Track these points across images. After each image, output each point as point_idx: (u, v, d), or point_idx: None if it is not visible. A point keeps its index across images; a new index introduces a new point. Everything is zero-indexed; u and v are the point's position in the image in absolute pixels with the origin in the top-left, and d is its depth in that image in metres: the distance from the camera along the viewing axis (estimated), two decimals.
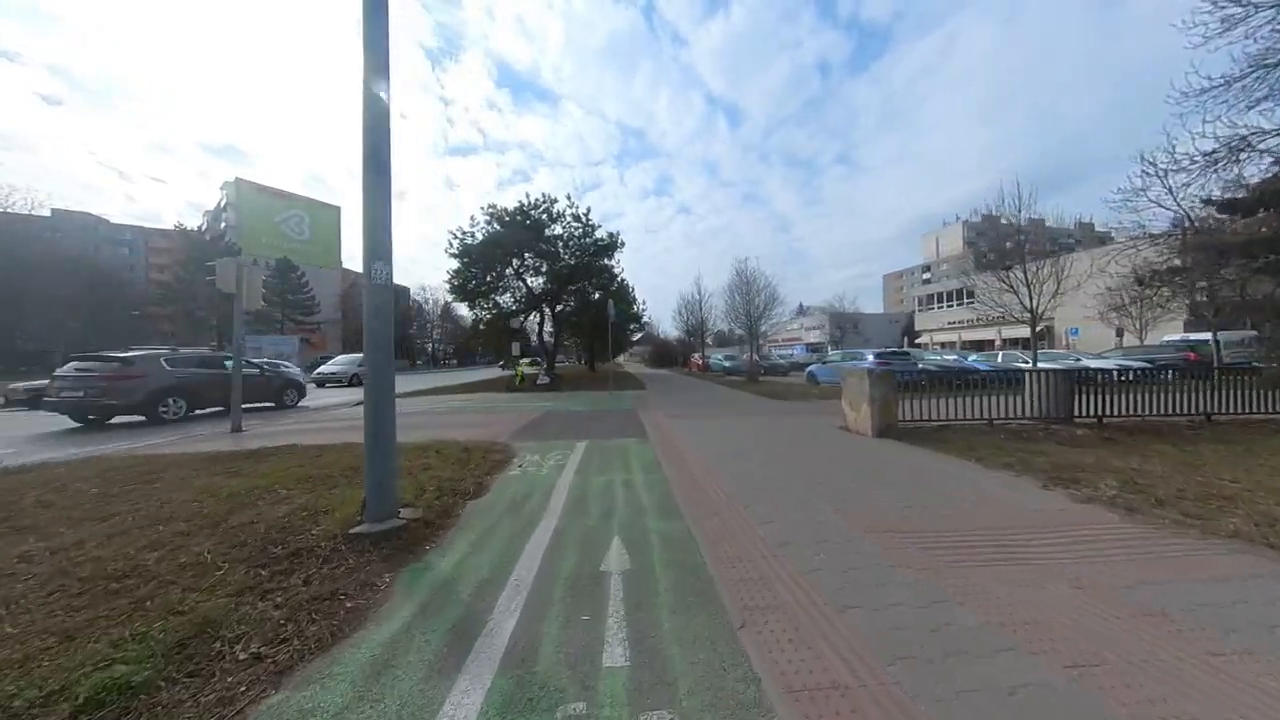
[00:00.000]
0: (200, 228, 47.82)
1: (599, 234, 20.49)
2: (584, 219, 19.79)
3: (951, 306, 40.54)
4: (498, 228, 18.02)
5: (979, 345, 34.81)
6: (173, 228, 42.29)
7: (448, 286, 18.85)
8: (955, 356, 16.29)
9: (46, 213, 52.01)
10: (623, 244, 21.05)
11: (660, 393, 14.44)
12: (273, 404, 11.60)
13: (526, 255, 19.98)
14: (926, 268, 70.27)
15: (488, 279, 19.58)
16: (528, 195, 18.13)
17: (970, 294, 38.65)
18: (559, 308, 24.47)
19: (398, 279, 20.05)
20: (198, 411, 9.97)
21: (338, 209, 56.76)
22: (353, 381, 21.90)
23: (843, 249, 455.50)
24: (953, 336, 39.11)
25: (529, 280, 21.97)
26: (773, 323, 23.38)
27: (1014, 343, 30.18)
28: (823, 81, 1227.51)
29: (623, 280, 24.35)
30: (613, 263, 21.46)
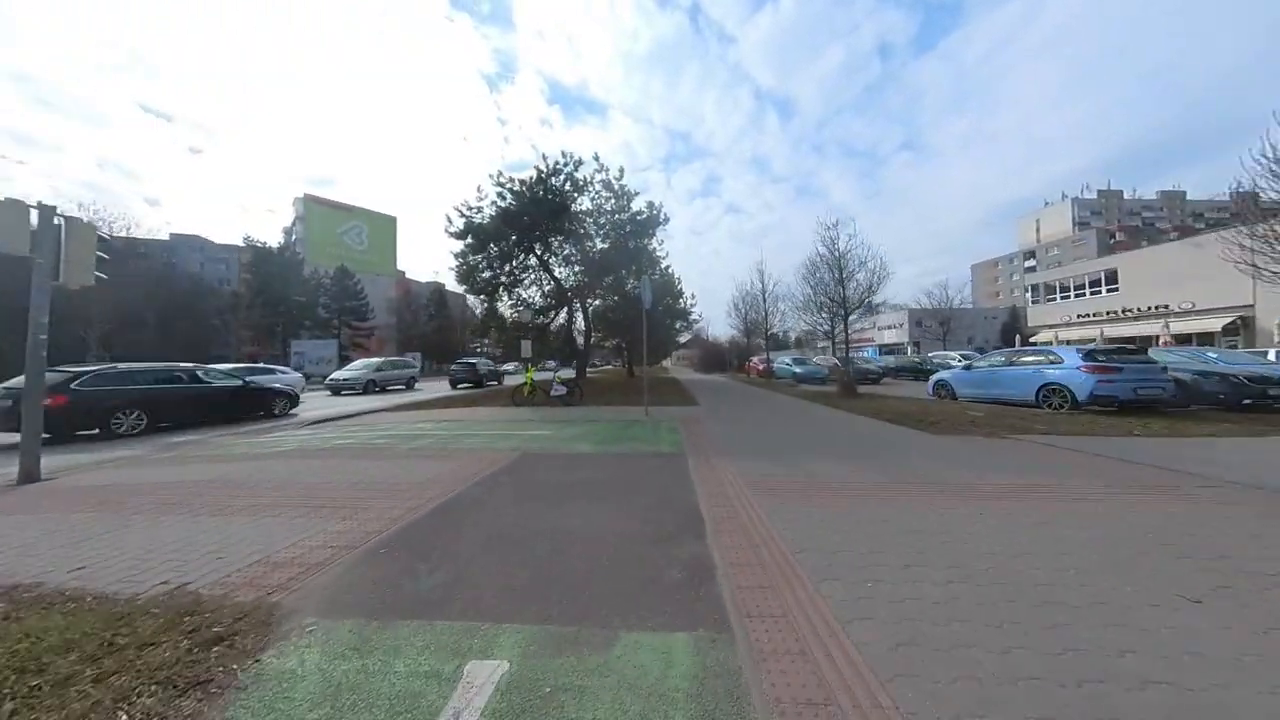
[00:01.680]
0: (280, 244, 50.15)
1: (636, 205, 16.14)
2: (617, 186, 15.51)
3: (1083, 296, 31.56)
4: (510, 202, 14.24)
5: (1129, 341, 26.12)
6: (242, 243, 43.96)
7: (455, 274, 15.40)
8: (1215, 354, 9.93)
9: (165, 236, 57.75)
10: (666, 219, 16.56)
11: (720, 411, 9.77)
12: (263, 413, 10.38)
13: (552, 238, 16.13)
14: (1030, 254, 58.60)
15: (505, 268, 15.90)
16: (544, 159, 14.26)
17: (1112, 279, 29.64)
18: (592, 303, 20.52)
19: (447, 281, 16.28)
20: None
21: (394, 219, 57.78)
22: (368, 389, 19.37)
23: (910, 241, 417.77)
24: (1087, 332, 30.21)
25: (557, 271, 18.17)
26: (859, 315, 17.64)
27: (1184, 339, 21.86)
28: (883, 64, 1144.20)
29: (668, 268, 19.87)
30: (654, 243, 17.04)
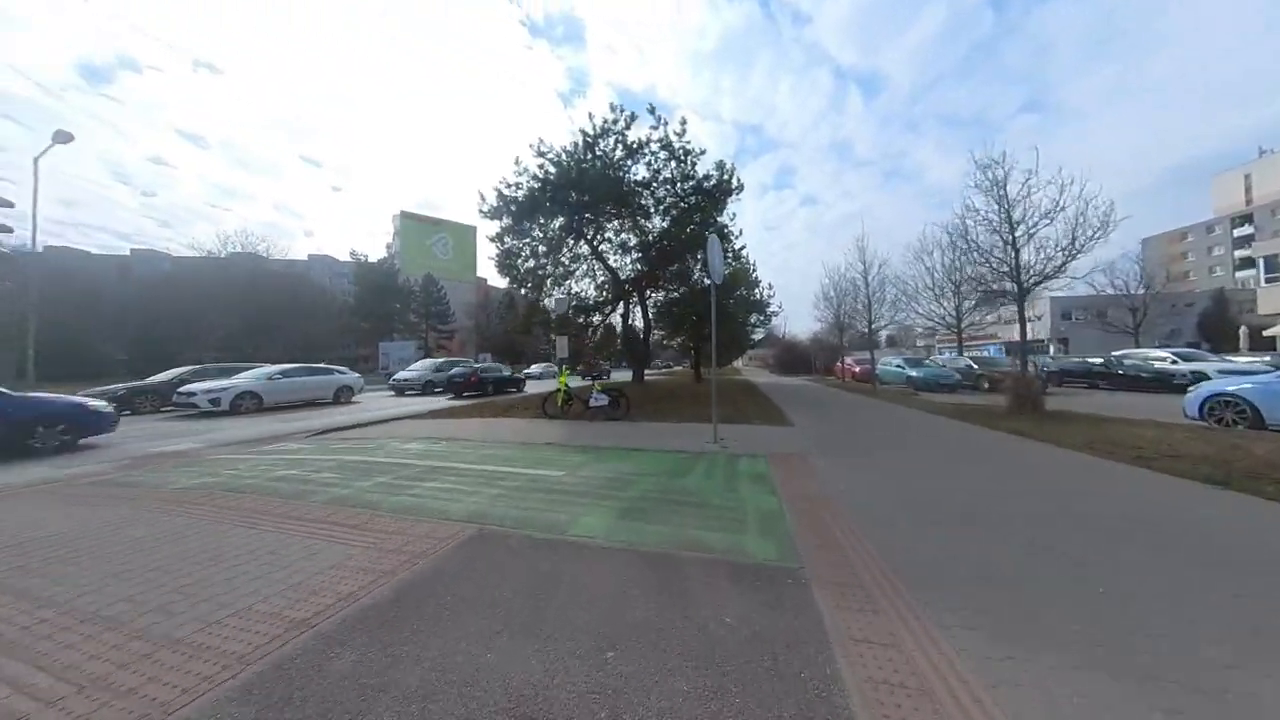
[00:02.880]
0: (381, 258, 55.66)
1: (702, 167, 13.02)
2: (679, 145, 12.50)
3: None
4: (550, 173, 12.07)
5: None
6: (348, 257, 48.87)
7: (494, 263, 13.69)
8: None
9: (304, 257, 67.65)
10: (739, 186, 13.22)
11: (832, 438, 6.42)
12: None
13: (604, 220, 13.76)
14: (1243, 218, 43.43)
15: (553, 259, 13.86)
16: (591, 118, 11.85)
17: None
18: (653, 296, 17.84)
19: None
20: None
21: (474, 229, 60.95)
22: (426, 389, 18.86)
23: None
24: None
25: (612, 259, 15.80)
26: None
27: None
28: (997, 16, 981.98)
29: (743, 250, 16.44)
30: (725, 216, 13.80)
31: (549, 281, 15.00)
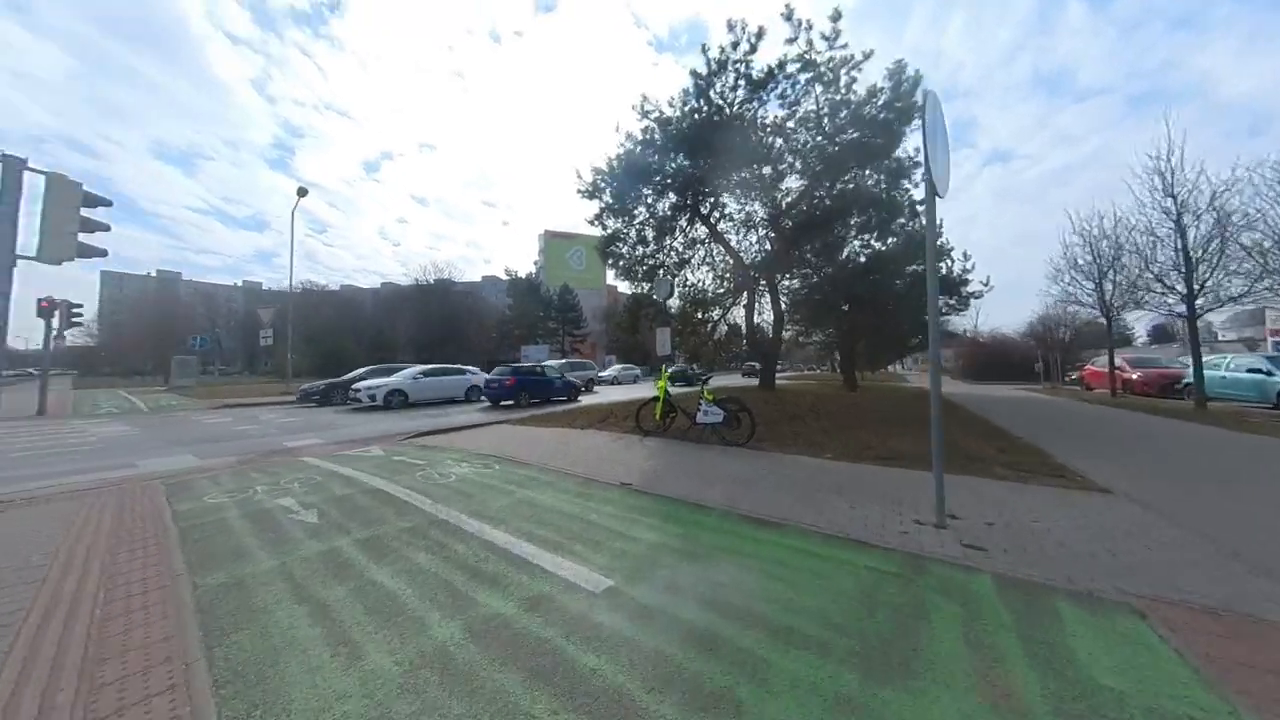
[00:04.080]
0: (529, 273, 63.61)
1: (869, 75, 9.12)
2: (827, 59, 8.85)
3: None
4: (655, 136, 9.91)
5: None
6: (505, 276, 56.48)
7: (598, 253, 12.22)
8: None
9: (479, 279, 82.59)
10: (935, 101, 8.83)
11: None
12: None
13: (723, 189, 11.09)
14: None
15: (665, 244, 11.79)
16: (704, 51, 9.15)
17: None
18: (788, 283, 14.21)
19: None
20: None
21: (592, 238, 64.43)
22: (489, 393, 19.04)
23: None
24: None
25: (734, 240, 12.94)
26: None
27: None
28: None
29: (923, 206, 11.57)
30: (905, 149, 9.53)
31: (661, 272, 12.94)
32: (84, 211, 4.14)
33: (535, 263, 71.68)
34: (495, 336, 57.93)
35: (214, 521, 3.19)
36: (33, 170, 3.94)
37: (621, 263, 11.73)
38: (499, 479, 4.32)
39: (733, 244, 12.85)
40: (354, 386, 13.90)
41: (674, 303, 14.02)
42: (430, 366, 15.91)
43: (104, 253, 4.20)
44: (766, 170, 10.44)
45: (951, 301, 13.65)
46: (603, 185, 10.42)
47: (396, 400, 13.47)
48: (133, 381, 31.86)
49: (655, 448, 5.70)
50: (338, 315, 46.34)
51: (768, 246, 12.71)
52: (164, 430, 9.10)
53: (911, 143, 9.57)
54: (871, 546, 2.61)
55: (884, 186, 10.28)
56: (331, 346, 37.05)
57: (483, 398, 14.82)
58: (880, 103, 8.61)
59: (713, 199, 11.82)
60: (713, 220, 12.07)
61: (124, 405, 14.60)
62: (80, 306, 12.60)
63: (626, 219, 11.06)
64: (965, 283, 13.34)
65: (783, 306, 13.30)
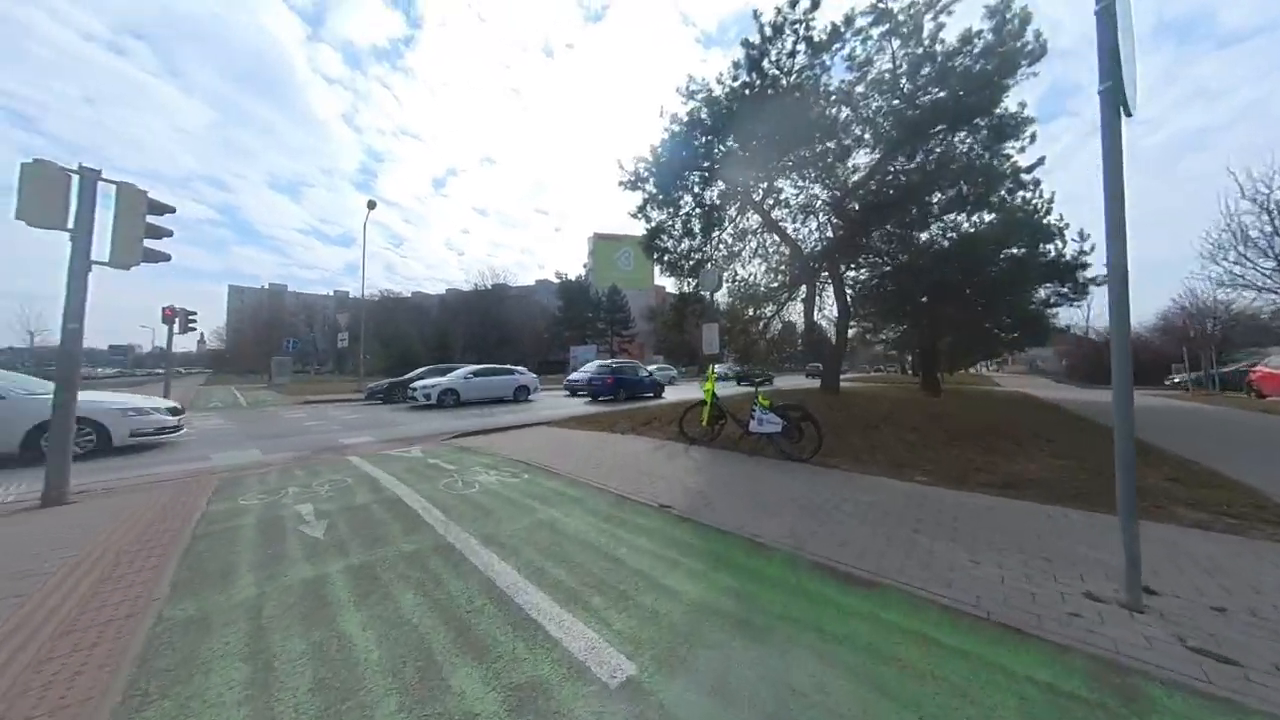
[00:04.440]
0: (578, 276, 65.05)
1: (955, 29, 7.68)
2: (911, 5, 7.47)
3: None
4: (703, 115, 9.11)
5: None
6: (553, 278, 58.02)
7: (641, 247, 11.63)
8: None
9: (532, 283, 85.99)
10: (1039, 49, 7.17)
11: None
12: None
13: (781, 174, 10.07)
14: None
15: (707, 233, 10.99)
16: (756, 16, 8.10)
17: None
18: (855, 274, 12.73)
19: None
20: None
21: (635, 238, 64.10)
22: (590, 390, 18.89)
23: None
24: None
25: (791, 228, 11.81)
26: None
27: None
28: None
29: (1029, 176, 9.69)
30: (1007, 104, 7.88)
31: (708, 266, 12.10)
32: (150, 218, 4.21)
33: (584, 265, 73.16)
34: (546, 338, 59.85)
35: (228, 530, 3.02)
36: (105, 180, 4.09)
37: (666, 257, 11.06)
38: (523, 492, 3.86)
39: (789, 232, 11.69)
40: (411, 386, 14.58)
41: (722, 298, 13.10)
42: (481, 367, 16.34)
43: (168, 257, 4.29)
44: (829, 146, 9.23)
45: (1064, 289, 11.33)
46: (645, 175, 9.83)
47: (449, 399, 13.89)
48: (246, 379, 36.74)
49: (702, 460, 4.98)
50: (408, 319, 50.39)
51: (829, 233, 11.39)
52: (249, 424, 9.96)
53: (1017, 97, 7.90)
54: (1026, 637, 1.73)
55: (979, 152, 8.64)
56: (402, 348, 40.34)
57: (532, 398, 14.91)
58: (977, 50, 7.13)
59: (766, 183, 10.79)
60: (766, 207, 11.02)
61: (229, 400, 16.57)
62: (195, 314, 14.40)
63: (671, 210, 10.37)
64: (1083, 266, 10.99)
65: (848, 300, 11.85)
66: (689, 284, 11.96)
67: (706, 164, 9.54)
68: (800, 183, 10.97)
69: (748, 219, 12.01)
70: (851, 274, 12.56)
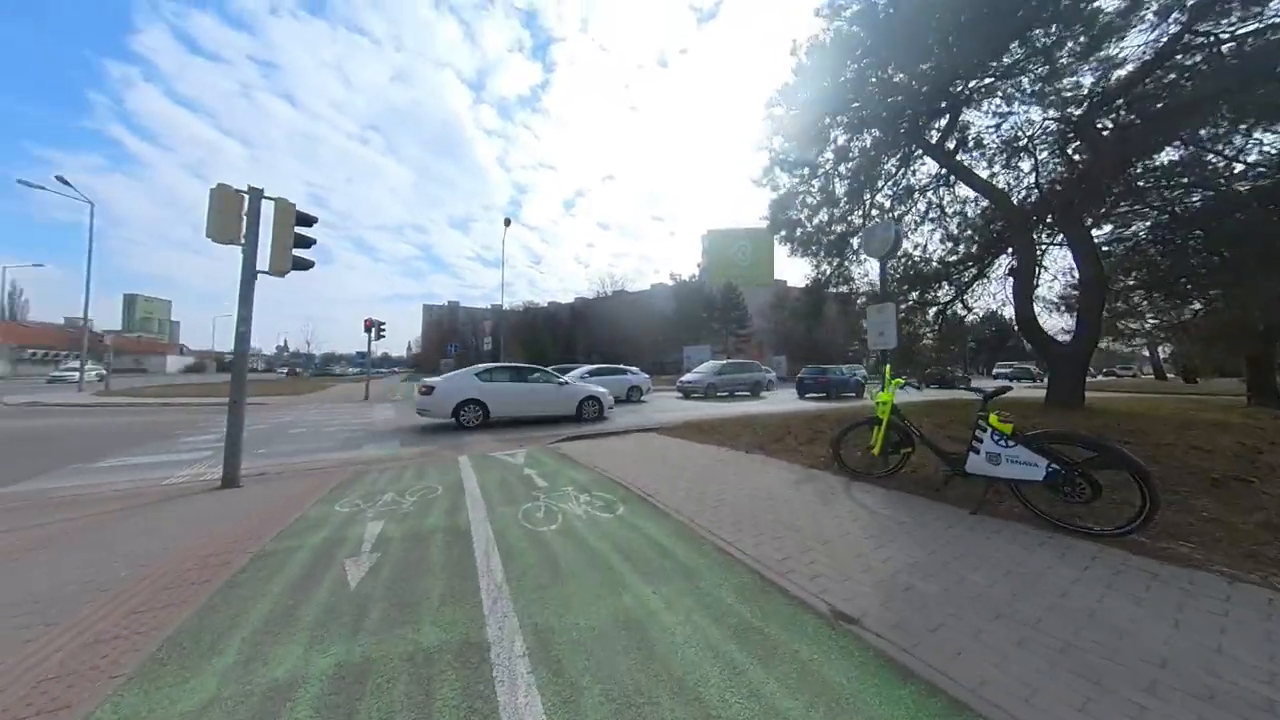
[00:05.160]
0: (692, 275, 64.14)
1: None
2: None
3: None
4: (856, 33, 6.84)
5: None
6: (670, 280, 57.98)
7: (767, 222, 9.65)
8: None
9: (647, 286, 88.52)
10: None
11: None
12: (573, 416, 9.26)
13: (973, 98, 7.21)
14: None
15: (855, 196, 8.57)
16: None
17: None
18: (1099, 223, 8.57)
19: None
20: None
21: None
22: (708, 393, 17.41)
23: None
24: None
25: (982, 169, 8.53)
26: None
27: None
28: None
29: None
30: None
31: (854, 241, 9.53)
32: (297, 229, 4.37)
33: (698, 264, 71.68)
34: (660, 339, 60.34)
35: (288, 553, 2.63)
36: (267, 198, 4.42)
37: (798, 233, 9.00)
38: (613, 540, 2.76)
39: (986, 173, 8.37)
40: None
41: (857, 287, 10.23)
42: (596, 366, 16.46)
43: (311, 264, 4.44)
44: (1068, 33, 6.02)
45: None
46: (773, 129, 8.00)
47: None
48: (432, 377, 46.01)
49: (880, 511, 3.19)
50: (543, 326, 56.56)
51: (1067, 167, 7.74)
52: (408, 417, 11.44)
53: None
54: None
55: None
56: (537, 350, 45.47)
57: (644, 399, 14.24)
58: None
59: (946, 117, 7.84)
60: (951, 149, 8.03)
61: (407, 394, 20.18)
62: (384, 324, 17.83)
63: (805, 171, 8.32)
64: None
65: (1102, 266, 7.90)
66: (829, 264, 9.60)
67: (856, 103, 7.27)
68: (1005, 107, 7.70)
69: (913, 172, 9.09)
70: (1097, 231, 8.44)
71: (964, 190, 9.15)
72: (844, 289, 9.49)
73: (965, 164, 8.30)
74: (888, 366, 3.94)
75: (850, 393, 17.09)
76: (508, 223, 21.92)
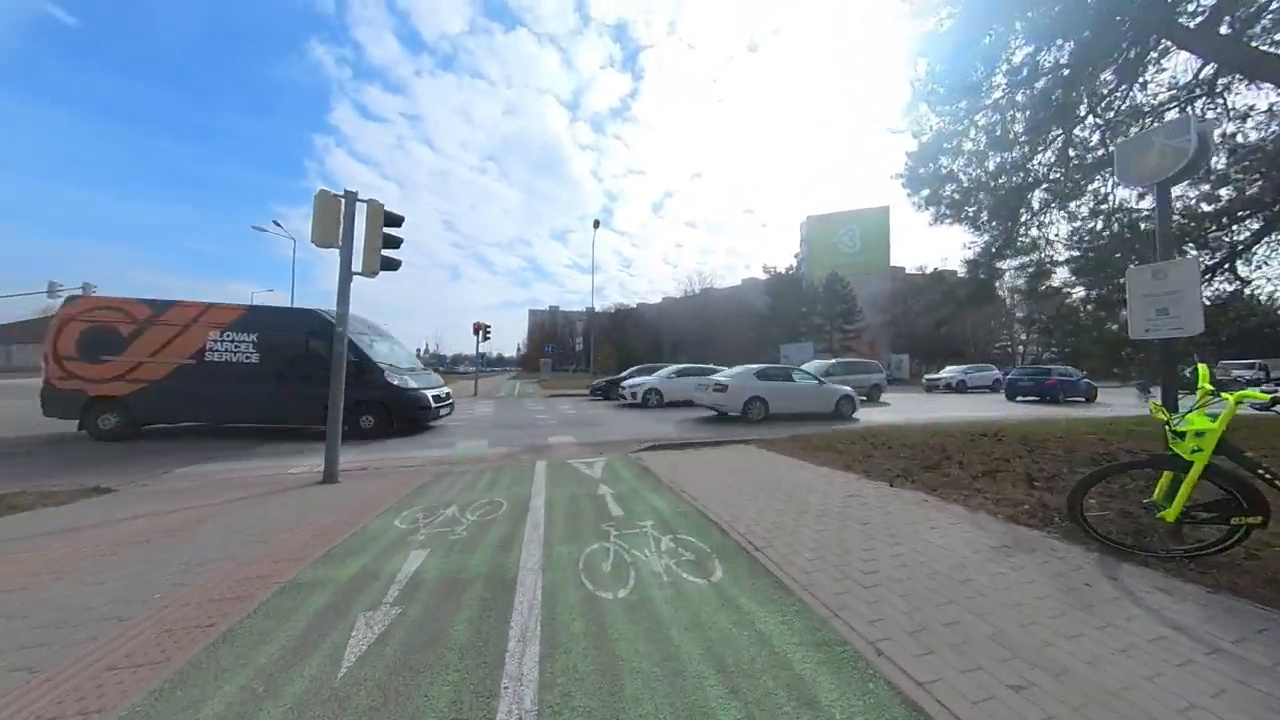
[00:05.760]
0: (789, 267, 59.15)
1: None
2: None
3: None
4: None
5: None
6: (764, 274, 54.19)
7: (904, 186, 7.47)
8: None
9: (738, 282, 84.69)
10: None
11: None
12: None
13: None
14: None
15: (1021, 130, 6.13)
16: None
17: None
18: None
19: None
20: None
21: (886, 210, 51.35)
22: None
23: None
24: None
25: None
26: None
27: None
28: None
29: None
30: None
31: (1033, 200, 6.95)
32: (385, 230, 4.31)
33: (795, 255, 65.80)
34: (753, 337, 56.73)
35: (301, 595, 2.21)
36: (360, 200, 4.45)
37: (948, 190, 6.81)
38: (704, 637, 1.76)
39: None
40: (620, 385, 15.03)
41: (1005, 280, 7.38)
42: (683, 366, 15.48)
43: (398, 264, 4.36)
44: None
45: None
46: (922, 42, 6.03)
47: (653, 398, 13.52)
48: (532, 376, 49.94)
49: (1229, 647, 1.61)
50: (632, 327, 57.58)
51: None
52: (502, 413, 11.92)
53: None
54: None
55: None
56: (626, 351, 46.31)
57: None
58: None
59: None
60: (1220, 33, 5.18)
61: (510, 390, 21.74)
62: (489, 327, 19.42)
63: (965, 104, 6.16)
64: None
65: None
66: (994, 230, 7.16)
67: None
68: None
69: (1143, 85, 6.22)
70: None
71: (1244, 99, 6.03)
72: (1019, 262, 6.98)
73: (1261, 52, 5.30)
74: (1203, 368, 2.21)
75: (1079, 397, 14.76)
76: (596, 224, 22.34)
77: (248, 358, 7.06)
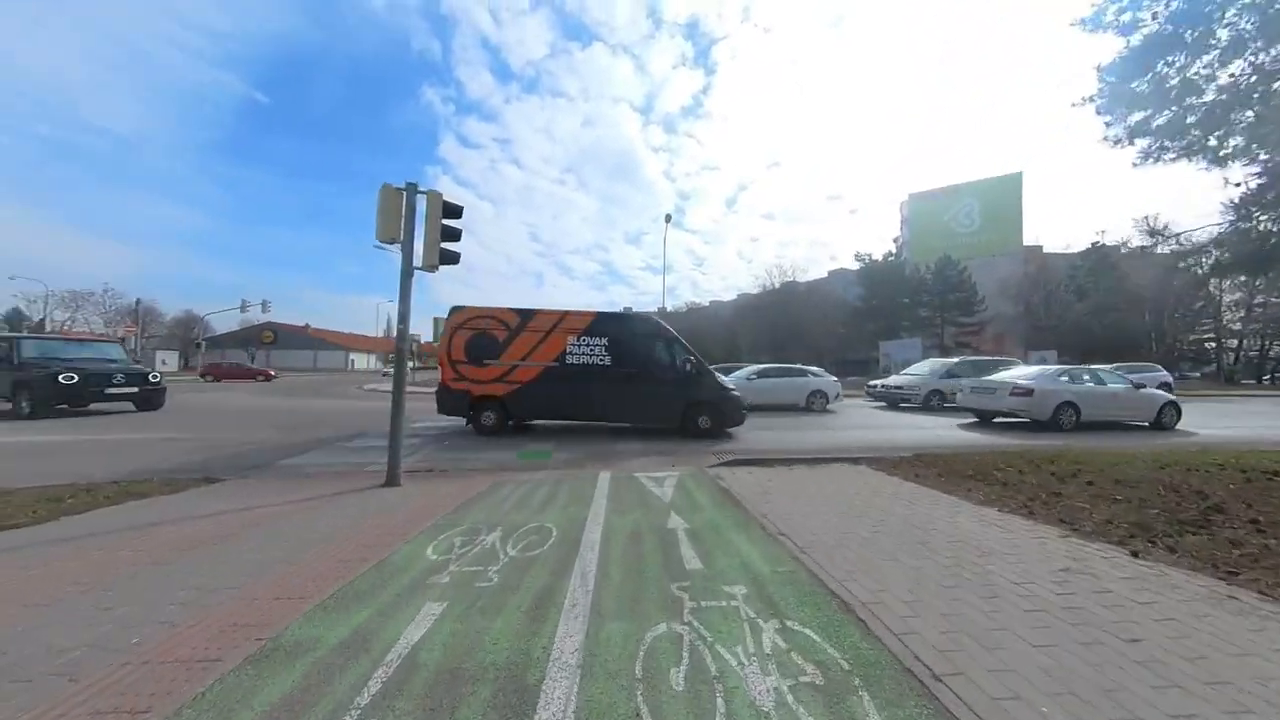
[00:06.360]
0: (886, 253, 52.31)
1: None
2: None
3: None
4: None
5: None
6: (857, 262, 48.56)
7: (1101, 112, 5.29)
8: None
9: (823, 274, 78.04)
10: None
11: None
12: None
13: None
14: None
15: None
16: None
17: None
18: None
19: None
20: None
21: (1017, 177, 42.46)
22: (928, 401, 12.49)
23: None
24: None
25: None
26: None
27: None
28: None
29: None
30: None
31: None
32: (444, 222, 4.00)
33: (895, 240, 57.98)
34: (843, 333, 51.22)
35: (290, 656, 1.70)
36: (420, 192, 4.22)
37: (1180, 109, 4.63)
38: None
39: None
40: None
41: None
42: (766, 367, 13.90)
43: (457, 257, 4.00)
44: None
45: None
46: None
47: None
48: None
49: None
50: (705, 326, 55.77)
51: None
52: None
53: None
54: None
55: None
56: (700, 350, 44.83)
57: (830, 407, 11.10)
58: None
59: None
60: None
61: None
62: None
63: None
64: None
65: None
66: (1262, 163, 4.75)
67: None
68: None
69: None
70: None
71: None
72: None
73: None
74: None
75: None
76: (668, 219, 21.62)
77: (601, 360, 7.30)
